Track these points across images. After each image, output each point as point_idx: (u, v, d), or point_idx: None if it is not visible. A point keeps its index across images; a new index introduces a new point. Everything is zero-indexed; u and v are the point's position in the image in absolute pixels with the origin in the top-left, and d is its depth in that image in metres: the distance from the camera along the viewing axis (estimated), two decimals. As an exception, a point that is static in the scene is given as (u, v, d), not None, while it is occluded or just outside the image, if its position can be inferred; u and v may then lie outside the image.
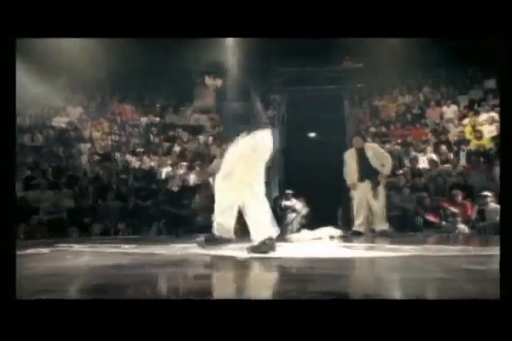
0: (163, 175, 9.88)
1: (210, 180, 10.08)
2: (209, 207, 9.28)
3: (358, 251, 3.71)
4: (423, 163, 10.13)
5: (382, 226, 6.69)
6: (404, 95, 13.48)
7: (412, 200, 8.77)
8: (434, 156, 10.22)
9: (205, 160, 10.67)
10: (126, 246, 4.04)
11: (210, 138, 11.74)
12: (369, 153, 6.80)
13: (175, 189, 9.45)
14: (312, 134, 15.04)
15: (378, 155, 6.86)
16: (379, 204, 6.71)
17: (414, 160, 10.15)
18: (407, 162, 10.28)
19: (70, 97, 12.77)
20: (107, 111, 12.83)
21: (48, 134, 10.58)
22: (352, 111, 13.39)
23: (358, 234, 6.71)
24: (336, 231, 6.03)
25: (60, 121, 11.65)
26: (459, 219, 8.30)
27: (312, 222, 9.08)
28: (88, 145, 10.85)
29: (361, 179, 6.81)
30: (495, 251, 4.11)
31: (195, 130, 12.06)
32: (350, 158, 7.01)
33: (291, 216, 9.82)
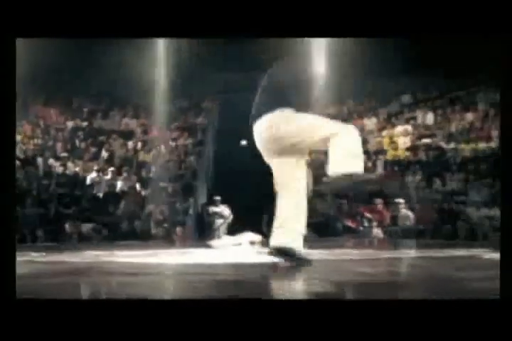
0: (88, 181, 9.62)
1: (137, 186, 9.97)
2: (135, 213, 9.24)
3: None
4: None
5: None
6: (329, 107, 13.94)
7: (333, 207, 9.09)
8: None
9: (132, 165, 10.51)
10: (35, 254, 3.91)
11: (139, 144, 11.58)
12: None
13: (100, 195, 9.24)
14: (244, 142, 15.16)
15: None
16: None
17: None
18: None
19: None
20: (28, 114, 12.29)
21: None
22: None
23: None
24: (257, 237, 6.13)
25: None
26: (375, 224, 8.72)
27: (239, 227, 9.18)
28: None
29: None
30: (398, 254, 4.39)
31: (125, 135, 11.84)
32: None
33: (219, 221, 9.86)
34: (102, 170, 9.93)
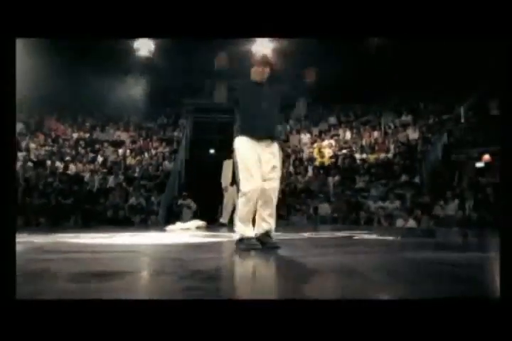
0: (86, 179, 9.44)
1: (124, 183, 9.84)
2: (119, 204, 9.11)
3: (200, 238, 3.83)
4: (284, 173, 10.67)
5: None
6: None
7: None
8: (292, 169, 10.81)
9: (121, 168, 10.38)
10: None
11: (128, 151, 11.43)
12: None
13: (93, 190, 9.09)
14: (211, 150, 15.17)
15: None
16: None
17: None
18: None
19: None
20: (43, 127, 12.02)
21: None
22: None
23: (223, 225, 6.89)
24: (202, 223, 6.15)
25: (0, 134, 10.72)
26: (302, 214, 8.86)
27: (201, 216, 9.18)
28: (24, 153, 10.08)
29: (231, 184, 6.96)
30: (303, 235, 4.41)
31: (117, 144, 11.67)
32: (226, 166, 7.07)
33: (186, 211, 9.84)
34: (96, 171, 9.77)
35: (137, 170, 10.37)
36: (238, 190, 6.91)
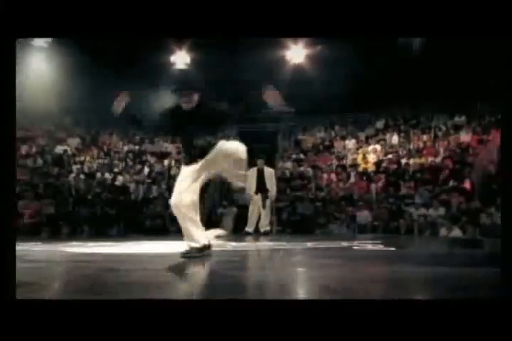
0: (131, 189, 10.01)
1: (166, 193, 10.27)
2: (161, 213, 9.51)
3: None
4: (325, 181, 10.48)
5: (266, 228, 6.96)
6: (321, 131, 13.93)
7: (309, 208, 9.05)
8: (334, 176, 10.59)
9: (165, 177, 10.85)
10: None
11: (173, 162, 11.92)
12: (266, 174, 7.03)
13: (138, 199, 9.59)
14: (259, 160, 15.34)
15: (270, 178, 7.06)
16: (265, 213, 6.96)
17: (319, 179, 10.51)
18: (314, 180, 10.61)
19: (71, 131, 12.92)
20: (98, 141, 12.97)
21: (46, 158, 10.66)
22: (282, 142, 13.76)
23: (248, 234, 6.92)
24: (222, 232, 6.20)
25: (60, 149, 11.75)
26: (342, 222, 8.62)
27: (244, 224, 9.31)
28: (78, 166, 10.95)
29: (256, 192, 7.00)
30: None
31: (162, 155, 12.25)
32: (251, 174, 7.04)
33: (227, 220, 10.01)
34: (142, 182, 10.31)
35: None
36: (264, 198, 6.92)
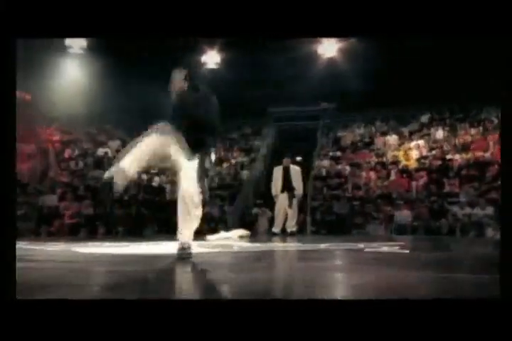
0: (167, 190, 10.18)
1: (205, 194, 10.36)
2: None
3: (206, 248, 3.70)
4: (363, 179, 10.08)
5: (293, 228, 6.73)
6: (361, 128, 13.45)
7: (346, 208, 8.73)
8: (372, 174, 10.16)
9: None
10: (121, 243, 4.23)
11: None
12: (292, 173, 6.81)
13: (173, 200, 9.72)
14: (298, 158, 15.12)
15: (297, 177, 6.81)
16: (291, 212, 6.72)
17: (357, 177, 10.13)
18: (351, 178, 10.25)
19: (111, 134, 13.41)
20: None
21: (87, 161, 11.12)
22: (320, 140, 13.43)
23: (274, 234, 6.75)
24: (245, 232, 6.06)
25: (101, 151, 12.23)
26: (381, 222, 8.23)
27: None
28: (118, 168, 11.33)
29: (282, 191, 6.79)
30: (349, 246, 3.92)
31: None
32: (277, 173, 6.89)
33: (262, 220, 9.92)
34: (177, 182, 10.47)
35: (216, 180, 10.82)
36: (290, 197, 6.69)
